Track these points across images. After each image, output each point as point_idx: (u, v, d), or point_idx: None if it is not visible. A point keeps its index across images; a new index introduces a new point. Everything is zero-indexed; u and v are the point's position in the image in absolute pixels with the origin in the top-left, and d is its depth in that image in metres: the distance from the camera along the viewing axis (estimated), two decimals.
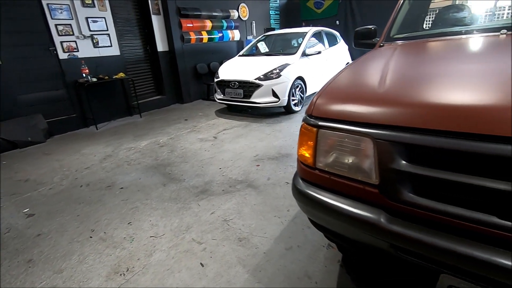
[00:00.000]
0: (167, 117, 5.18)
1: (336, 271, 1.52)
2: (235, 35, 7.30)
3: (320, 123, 1.05)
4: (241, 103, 4.72)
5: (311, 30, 5.52)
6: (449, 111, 0.81)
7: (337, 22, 8.58)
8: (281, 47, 5.78)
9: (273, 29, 8.38)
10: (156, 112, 5.72)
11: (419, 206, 0.85)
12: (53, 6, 4.24)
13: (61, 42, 4.39)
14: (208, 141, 3.74)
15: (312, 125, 1.08)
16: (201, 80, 6.63)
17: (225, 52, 7.16)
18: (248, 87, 4.56)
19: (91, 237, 1.96)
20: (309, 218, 1.25)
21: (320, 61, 5.30)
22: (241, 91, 4.63)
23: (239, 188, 2.46)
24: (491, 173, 0.75)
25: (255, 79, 4.51)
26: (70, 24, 4.45)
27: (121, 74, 4.97)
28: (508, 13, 2.70)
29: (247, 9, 7.72)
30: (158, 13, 5.71)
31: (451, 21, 1.91)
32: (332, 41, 6.02)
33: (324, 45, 5.65)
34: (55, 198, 2.54)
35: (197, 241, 1.84)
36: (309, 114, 1.11)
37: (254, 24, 8.07)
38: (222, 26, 6.93)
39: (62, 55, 4.43)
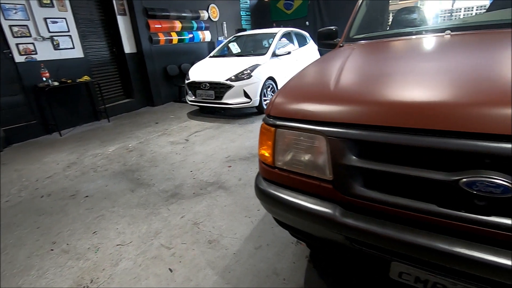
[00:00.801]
0: (137, 121, 5.03)
1: (304, 267, 1.55)
2: (206, 36, 7.24)
3: (277, 123, 1.07)
4: (213, 105, 4.69)
5: (280, 31, 5.60)
6: (392, 108, 0.85)
7: (307, 23, 8.77)
8: (252, 48, 5.80)
9: (245, 30, 8.40)
10: (125, 116, 5.53)
11: (369, 198, 0.89)
12: (6, 6, 3.96)
13: (17, 44, 4.12)
14: (179, 144, 3.67)
15: (270, 124, 1.09)
16: (172, 82, 6.51)
17: (196, 53, 7.08)
18: (220, 88, 4.54)
19: (52, 250, 1.86)
20: (273, 217, 1.27)
21: (290, 61, 5.39)
22: (212, 92, 4.59)
23: (210, 190, 2.44)
24: (432, 165, 0.80)
25: (226, 80, 4.50)
26: (26, 25, 4.18)
27: (86, 77, 4.75)
28: (456, 15, 2.89)
29: (217, 9, 7.68)
30: (123, 14, 5.53)
31: (405, 23, 2.02)
32: (302, 42, 6.15)
33: (294, 45, 5.75)
34: (12, 210, 2.37)
35: (166, 246, 1.80)
36: (268, 114, 1.13)
37: (225, 25, 8.05)
38: (192, 27, 6.85)
39: (19, 58, 4.15)
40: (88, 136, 4.34)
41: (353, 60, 1.37)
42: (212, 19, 7.55)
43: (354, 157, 0.89)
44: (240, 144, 3.48)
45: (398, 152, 0.85)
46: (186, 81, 4.94)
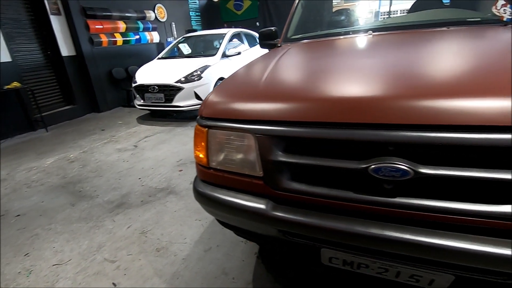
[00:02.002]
0: (81, 129, 4.67)
1: (253, 263, 1.57)
2: (154, 37, 6.98)
3: (209, 123, 1.07)
4: (163, 108, 4.53)
5: (229, 31, 5.61)
6: (310, 105, 0.90)
7: (257, 23, 8.91)
8: (203, 49, 5.73)
9: (195, 31, 8.26)
10: (67, 124, 5.10)
11: (296, 191, 0.93)
12: None
13: None
14: (127, 150, 3.49)
15: (202, 125, 1.09)
16: (119, 86, 6.15)
17: (145, 55, 6.78)
18: (169, 91, 4.40)
19: None
20: (215, 218, 1.27)
21: (240, 62, 5.42)
22: (162, 95, 4.44)
23: (159, 197, 2.36)
24: (350, 155, 0.86)
25: (176, 82, 4.38)
26: None
27: (15, 84, 4.28)
28: (383, 17, 3.15)
29: (164, 10, 7.44)
30: (58, 13, 5.08)
31: (338, 24, 2.16)
32: (252, 42, 6.23)
33: (244, 46, 5.80)
34: None
35: (109, 260, 1.70)
36: (200, 115, 1.12)
37: (174, 25, 7.83)
38: (138, 28, 6.55)
39: None
40: (22, 148, 3.91)
41: (283, 60, 1.42)
42: (160, 19, 7.30)
43: (280, 153, 0.93)
44: (192, 147, 3.41)
45: (319, 145, 0.91)
46: (133, 85, 4.71)
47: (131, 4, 6.45)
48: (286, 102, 0.94)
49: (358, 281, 1.36)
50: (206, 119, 1.09)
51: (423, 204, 0.78)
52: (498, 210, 0.72)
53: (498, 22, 1.53)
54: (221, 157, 1.06)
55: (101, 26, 5.63)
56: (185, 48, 5.77)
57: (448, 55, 1.09)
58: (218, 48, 5.21)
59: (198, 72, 4.52)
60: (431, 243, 0.75)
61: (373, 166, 0.79)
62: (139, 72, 4.90)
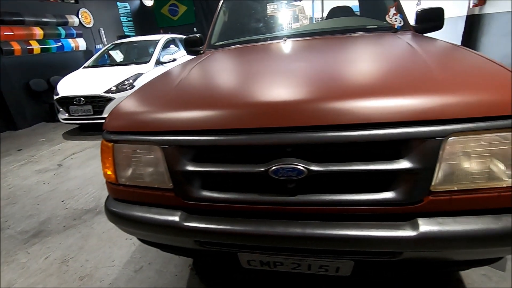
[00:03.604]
0: None
1: (187, 276, 1.53)
2: (80, 44, 6.42)
3: (114, 137, 1.01)
4: (92, 121, 4.17)
5: (163, 37, 5.44)
6: (214, 112, 0.91)
7: (195, 29, 8.81)
8: (136, 56, 5.45)
9: (128, 37, 7.82)
10: None
11: (208, 199, 0.93)
12: None
13: None
14: (49, 171, 3.13)
15: (108, 140, 1.03)
16: (41, 99, 5.50)
17: (70, 64, 6.16)
18: (98, 102, 4.08)
19: None
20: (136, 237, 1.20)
21: None
22: (89, 107, 4.09)
23: (85, 219, 2.16)
24: (257, 159, 0.88)
25: (105, 92, 4.08)
26: None
27: None
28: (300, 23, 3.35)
29: (90, 15, 6.90)
30: None
31: (258, 30, 2.23)
32: None
33: (180, 52, 5.67)
34: None
35: None
36: (105, 130, 1.06)
37: (102, 31, 7.31)
38: (60, 34, 5.97)
39: None
40: None
41: (197, 68, 1.42)
42: (85, 25, 6.74)
43: (187, 162, 0.92)
44: None
45: (225, 152, 0.92)
46: (55, 97, 4.26)
47: (50, 8, 5.84)
48: (190, 111, 0.94)
49: (282, 280, 1.42)
50: (111, 133, 1.03)
51: (320, 199, 0.84)
52: (381, 197, 0.81)
53: (390, 29, 1.74)
54: (130, 172, 1.01)
55: (11, 33, 4.99)
56: (117, 56, 5.42)
57: (340, 61, 1.20)
58: (152, 55, 5.01)
59: (130, 81, 4.28)
60: (326, 234, 0.81)
61: (273, 168, 0.83)
62: (61, 83, 4.46)
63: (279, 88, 0.96)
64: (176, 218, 0.94)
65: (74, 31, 6.27)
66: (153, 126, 0.95)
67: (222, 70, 1.30)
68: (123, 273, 1.59)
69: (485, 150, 0.75)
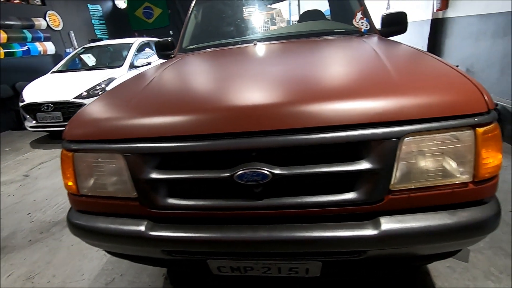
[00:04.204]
0: None
1: (161, 286, 1.49)
2: (48, 48, 6.15)
3: (74, 146, 0.97)
4: (62, 128, 3.96)
5: (137, 40, 5.33)
6: (178, 118, 0.89)
7: (171, 32, 8.68)
8: (109, 60, 5.29)
9: (100, 40, 7.58)
10: None
11: (174, 207, 0.91)
12: None
13: None
14: (14, 182, 2.95)
15: (68, 149, 0.98)
16: (5, 106, 5.19)
17: (37, 69, 5.87)
18: (68, 108, 3.91)
19: None
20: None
21: None
22: (59, 113, 3.91)
23: (54, 232, 2.05)
24: (223, 164, 0.87)
25: (76, 98, 3.92)
26: None
27: None
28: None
29: (58, 17, 6.62)
30: None
31: (230, 34, 2.22)
32: None
33: (154, 56, 5.55)
34: None
35: None
36: (65, 138, 1.01)
37: (73, 34, 7.03)
38: (26, 38, 5.68)
39: None
40: None
41: (165, 73, 1.39)
42: (54, 28, 6.47)
43: (151, 170, 0.89)
44: None
45: (191, 158, 0.91)
46: (21, 104, 4.05)
47: (13, 11, 5.54)
48: (153, 117, 0.92)
49: (259, 284, 1.41)
50: (71, 142, 0.99)
51: (286, 202, 0.84)
52: (344, 198, 0.82)
53: (357, 32, 1.80)
54: (92, 182, 0.97)
55: None
56: (89, 59, 5.23)
57: (304, 66, 1.21)
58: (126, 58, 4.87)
59: (103, 86, 4.15)
60: (292, 237, 0.81)
61: (238, 173, 0.82)
62: (27, 89, 4.24)
63: (243, 93, 0.96)
64: (142, 228, 0.91)
65: (42, 35, 5.99)
66: (114, 134, 0.92)
67: (189, 75, 1.29)
68: (93, 287, 1.52)
69: (438, 149, 0.78)
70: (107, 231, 0.95)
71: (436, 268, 1.38)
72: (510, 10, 2.65)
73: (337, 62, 1.24)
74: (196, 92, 1.04)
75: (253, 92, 0.95)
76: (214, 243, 0.87)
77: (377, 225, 0.79)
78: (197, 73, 1.29)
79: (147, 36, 6.30)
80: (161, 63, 1.77)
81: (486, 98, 0.78)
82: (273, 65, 1.26)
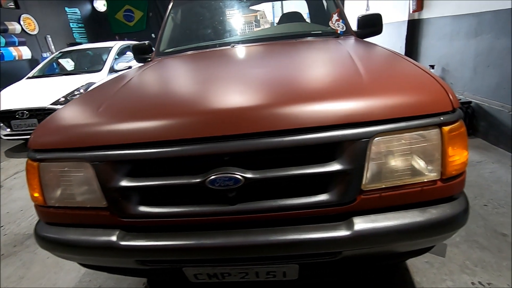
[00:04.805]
0: None
1: None
2: (23, 52, 5.94)
3: (39, 156, 0.92)
4: None
5: (117, 44, 5.21)
6: (148, 124, 0.87)
7: (153, 35, 8.54)
8: (89, 64, 5.15)
9: (79, 44, 7.38)
10: None
11: (146, 215, 0.88)
12: None
13: None
14: None
15: (33, 159, 0.94)
16: None
17: (12, 74, 5.64)
18: (44, 115, 3.76)
19: None
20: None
21: None
22: (35, 121, 3.77)
23: (28, 244, 1.97)
24: (196, 170, 0.85)
25: (53, 104, 3.78)
26: None
27: None
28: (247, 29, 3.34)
29: (34, 21, 6.40)
30: None
31: (208, 37, 2.20)
32: None
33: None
34: None
35: None
36: (29, 147, 0.97)
37: (50, 38, 6.81)
38: None
39: None
40: None
41: (139, 77, 1.36)
42: (29, 32, 6.25)
43: (121, 178, 0.86)
44: None
45: (162, 165, 0.89)
46: None
47: None
48: (122, 123, 0.89)
49: None
50: (36, 152, 0.94)
51: (259, 206, 0.83)
52: (317, 200, 0.82)
53: (333, 34, 1.82)
54: (59, 192, 0.93)
55: None
56: (68, 64, 5.08)
57: (278, 68, 1.21)
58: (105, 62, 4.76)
59: (81, 91, 4.03)
60: (266, 241, 0.80)
61: (210, 178, 0.81)
62: (0, 95, 4.06)
63: (214, 97, 0.95)
64: (113, 238, 0.88)
65: (16, 39, 5.78)
66: (81, 141, 0.89)
67: (162, 79, 1.26)
68: None
69: (406, 148, 0.79)
70: (77, 243, 0.91)
71: (415, 264, 1.41)
72: (480, 11, 2.75)
73: (310, 64, 1.24)
74: (168, 97, 1.02)
75: (225, 96, 0.94)
76: (188, 251, 0.85)
77: (350, 225, 0.79)
78: (171, 77, 1.27)
79: (128, 40, 6.18)
80: (137, 67, 1.73)
81: (451, 97, 0.80)
82: (248, 68, 1.25)
